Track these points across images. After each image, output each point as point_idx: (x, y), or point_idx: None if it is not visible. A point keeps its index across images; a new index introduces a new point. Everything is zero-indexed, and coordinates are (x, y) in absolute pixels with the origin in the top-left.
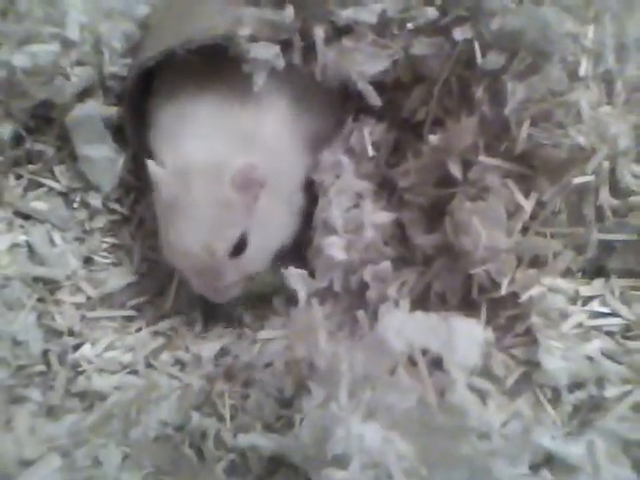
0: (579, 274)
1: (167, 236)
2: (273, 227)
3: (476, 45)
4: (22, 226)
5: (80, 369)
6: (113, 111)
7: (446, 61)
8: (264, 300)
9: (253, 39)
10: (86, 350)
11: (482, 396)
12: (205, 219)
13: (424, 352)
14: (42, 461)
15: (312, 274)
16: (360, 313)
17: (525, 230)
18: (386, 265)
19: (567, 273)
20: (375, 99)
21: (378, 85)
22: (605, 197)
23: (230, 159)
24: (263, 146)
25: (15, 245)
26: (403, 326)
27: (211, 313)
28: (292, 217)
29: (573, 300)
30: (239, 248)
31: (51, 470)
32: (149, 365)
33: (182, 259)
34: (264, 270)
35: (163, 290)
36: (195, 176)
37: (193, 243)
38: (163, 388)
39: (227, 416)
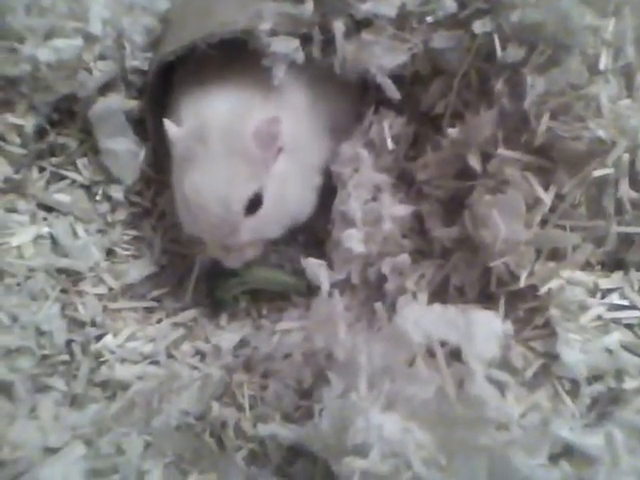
0: (598, 267)
1: (182, 191)
2: (289, 193)
3: (496, 38)
4: (45, 218)
5: (102, 359)
6: (134, 105)
7: (465, 54)
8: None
9: (273, 33)
10: (108, 340)
11: (501, 388)
12: (223, 172)
13: (442, 344)
14: (66, 449)
15: (330, 267)
16: (378, 305)
17: (544, 223)
18: (404, 258)
19: (586, 266)
20: (394, 92)
21: (397, 78)
22: (625, 190)
23: (250, 114)
24: (285, 119)
25: (39, 237)
26: (421, 318)
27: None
28: (308, 191)
29: (592, 293)
30: (254, 205)
31: (75, 458)
32: (170, 355)
33: (197, 213)
34: (277, 271)
35: (183, 282)
36: (214, 131)
37: (209, 196)
38: (184, 378)
39: (246, 406)
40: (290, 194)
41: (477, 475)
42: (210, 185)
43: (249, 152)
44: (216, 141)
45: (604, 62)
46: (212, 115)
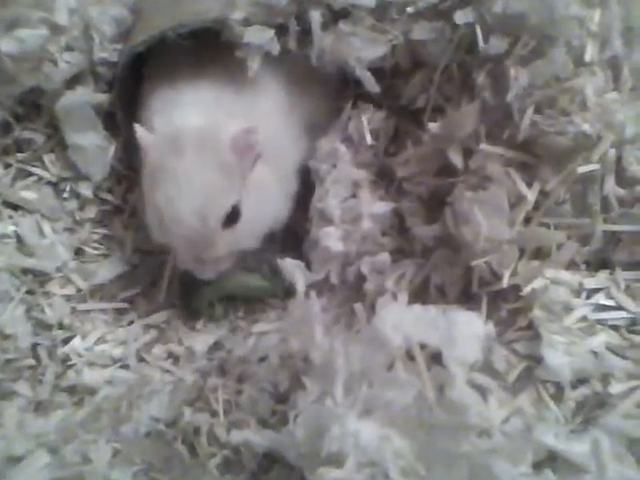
0: (583, 266)
1: (155, 203)
2: (266, 202)
3: (478, 29)
4: (11, 216)
5: (70, 363)
6: (104, 98)
7: (447, 46)
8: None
9: (247, 23)
10: (76, 343)
11: (483, 392)
12: (198, 184)
13: (422, 346)
14: (31, 457)
15: (308, 267)
16: (357, 306)
17: (528, 221)
18: (384, 257)
19: (571, 265)
20: (373, 86)
21: (377, 71)
22: (611, 187)
23: (227, 124)
24: (260, 123)
25: (3, 236)
26: (401, 320)
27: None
28: (285, 198)
29: (577, 293)
30: (232, 218)
31: (40, 467)
32: (141, 359)
33: (172, 227)
34: (253, 275)
35: (156, 282)
36: (189, 141)
37: (185, 210)
38: (155, 383)
39: (220, 411)
40: (268, 202)
41: None
42: (185, 198)
43: (226, 163)
44: (191, 152)
45: (590, 54)
46: (186, 123)
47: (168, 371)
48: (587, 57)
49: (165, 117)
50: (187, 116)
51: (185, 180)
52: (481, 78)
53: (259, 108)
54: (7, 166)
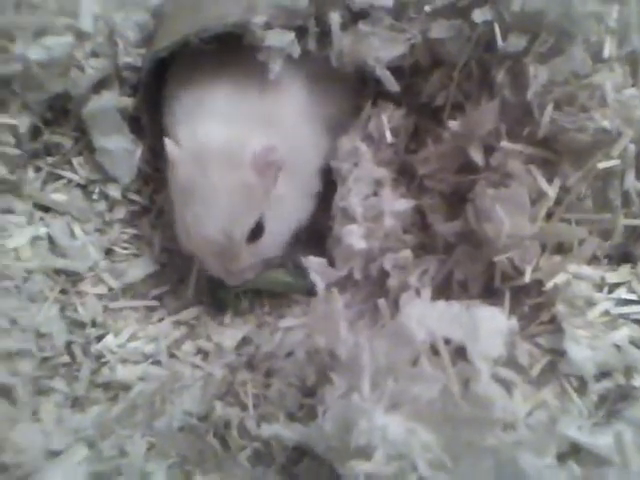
0: (605, 260)
1: (184, 219)
2: (289, 211)
3: (496, 27)
4: (42, 219)
5: (104, 360)
6: (129, 102)
7: (465, 44)
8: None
9: (268, 26)
10: (109, 341)
11: (507, 386)
12: (223, 203)
13: (446, 342)
14: (69, 452)
15: (332, 264)
16: (381, 302)
17: (549, 216)
18: (406, 253)
19: (593, 260)
20: (393, 85)
21: (396, 70)
22: (631, 182)
23: (249, 141)
24: (281, 129)
25: (36, 238)
26: (425, 315)
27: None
28: (308, 201)
29: (599, 287)
30: (256, 233)
31: (78, 460)
32: (172, 355)
33: (199, 243)
34: (279, 271)
35: (184, 279)
36: (213, 159)
37: (211, 228)
38: (186, 378)
39: (250, 405)
40: (291, 211)
41: (483, 477)
42: (211, 217)
43: (248, 182)
44: (215, 171)
45: (608, 50)
46: (210, 139)
47: (198, 367)
48: (606, 53)
49: (189, 129)
50: (210, 129)
51: (210, 199)
52: (500, 76)
53: (281, 114)
54: (37, 170)
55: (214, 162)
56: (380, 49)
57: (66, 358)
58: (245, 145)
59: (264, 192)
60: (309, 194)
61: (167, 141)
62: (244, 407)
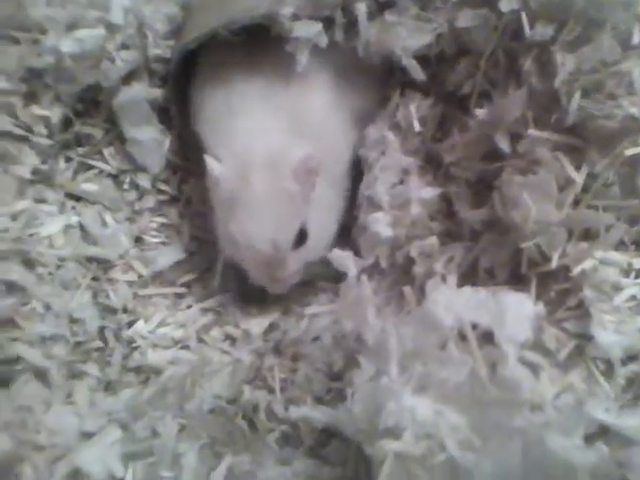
0: (632, 246)
1: (228, 229)
2: (328, 212)
3: (523, 16)
4: (74, 208)
5: (135, 345)
6: (158, 93)
7: (492, 33)
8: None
9: (295, 17)
10: (140, 326)
11: (534, 369)
12: (268, 213)
13: (474, 327)
14: (103, 433)
15: (357, 253)
16: (407, 289)
17: (576, 203)
18: (433, 240)
19: (620, 246)
20: (419, 74)
21: (422, 59)
22: None
23: (288, 151)
24: (313, 128)
25: (68, 226)
26: (452, 301)
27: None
28: (343, 199)
29: (626, 273)
30: (301, 239)
31: (112, 441)
32: (200, 340)
33: (245, 252)
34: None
35: (211, 267)
36: (254, 170)
37: (257, 237)
38: (215, 363)
39: (277, 389)
40: (330, 212)
41: (512, 457)
42: (258, 227)
43: (290, 191)
44: (258, 182)
45: (637, 37)
46: (250, 153)
47: (226, 352)
48: (634, 40)
49: (227, 143)
50: (249, 142)
51: (254, 210)
52: (528, 64)
53: (310, 110)
54: (68, 160)
55: (256, 175)
56: (407, 39)
57: (98, 343)
58: (285, 156)
59: (305, 199)
60: (343, 192)
61: (207, 158)
62: (272, 391)
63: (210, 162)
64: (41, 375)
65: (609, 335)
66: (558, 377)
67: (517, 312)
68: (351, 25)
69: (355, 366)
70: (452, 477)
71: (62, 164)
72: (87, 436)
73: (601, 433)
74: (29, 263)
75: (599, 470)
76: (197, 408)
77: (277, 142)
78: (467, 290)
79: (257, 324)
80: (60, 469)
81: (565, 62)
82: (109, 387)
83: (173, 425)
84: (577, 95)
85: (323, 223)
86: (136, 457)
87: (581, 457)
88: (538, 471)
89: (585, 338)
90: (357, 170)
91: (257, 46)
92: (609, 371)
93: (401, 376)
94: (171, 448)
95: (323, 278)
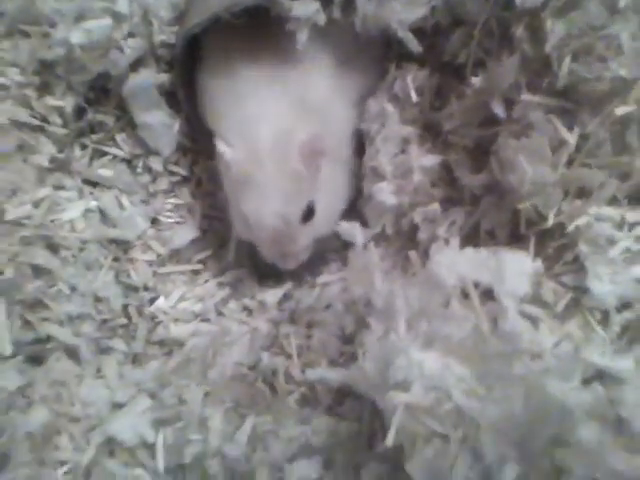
0: (625, 201)
1: (241, 211)
2: (335, 189)
3: None
4: (92, 193)
5: (157, 320)
6: (165, 78)
7: (484, 3)
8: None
9: None
10: (161, 302)
11: (533, 321)
12: (277, 192)
13: (475, 285)
14: (133, 402)
15: (363, 223)
16: (412, 253)
17: (570, 163)
18: (435, 206)
19: (613, 201)
20: (415, 46)
21: (418, 31)
22: None
23: (294, 133)
24: (317, 109)
25: (88, 211)
26: (454, 262)
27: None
28: (349, 176)
29: (619, 226)
30: (309, 214)
31: (142, 410)
32: (219, 313)
33: (257, 229)
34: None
35: (224, 244)
36: (263, 154)
37: (268, 214)
38: (234, 333)
39: (294, 354)
40: (337, 188)
41: (514, 403)
42: (267, 204)
43: (297, 170)
44: (267, 164)
45: (623, 1)
46: (259, 137)
47: (244, 322)
48: (621, 4)
49: (236, 127)
50: (257, 127)
51: (265, 190)
52: (519, 31)
53: (313, 86)
54: (84, 147)
55: (265, 158)
56: (402, 12)
57: (123, 320)
58: (291, 138)
59: (312, 177)
60: (349, 168)
61: (219, 143)
62: (289, 356)
63: (221, 147)
64: (71, 352)
65: (604, 285)
66: (556, 327)
67: (516, 268)
68: (348, 2)
69: (365, 328)
70: (459, 424)
71: (78, 152)
72: (118, 406)
73: (598, 377)
74: (53, 247)
75: (595, 409)
76: (219, 375)
77: (283, 125)
78: (469, 251)
79: (272, 295)
80: (95, 438)
81: (555, 28)
82: (136, 360)
83: (198, 392)
84: (567, 59)
85: (330, 199)
86: (165, 423)
87: (578, 398)
88: (539, 415)
89: (581, 290)
90: (360, 144)
91: (259, 30)
92: (605, 320)
93: (409, 333)
94: (197, 413)
95: (332, 250)
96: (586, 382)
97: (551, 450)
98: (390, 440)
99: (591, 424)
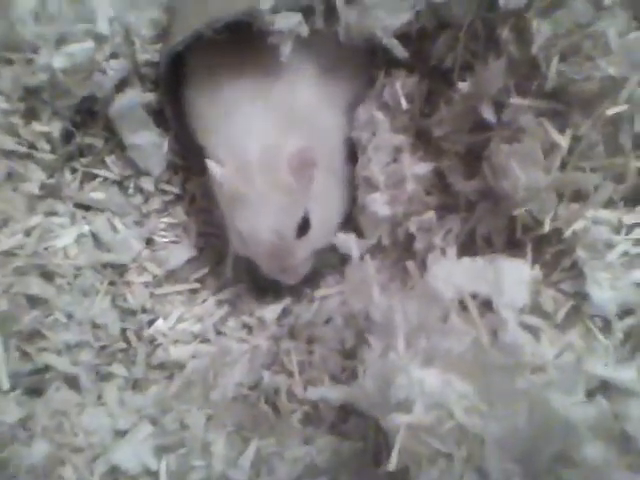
0: (621, 203)
1: (235, 226)
2: (330, 200)
3: None
4: (84, 217)
5: (157, 342)
6: (151, 97)
7: (469, 5)
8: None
9: (275, 10)
10: (160, 324)
11: (534, 332)
12: (269, 206)
13: (474, 296)
14: (135, 429)
15: (358, 233)
16: (409, 264)
17: (563, 166)
18: (430, 215)
19: (609, 204)
20: (401, 52)
21: (404, 37)
22: None
23: (282, 146)
24: (305, 121)
25: (81, 236)
26: (451, 273)
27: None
28: (345, 187)
29: (617, 230)
30: (304, 228)
31: (144, 437)
32: (218, 332)
33: (253, 245)
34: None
35: (221, 261)
36: (254, 169)
37: (263, 229)
38: (234, 352)
39: (296, 372)
40: (332, 200)
41: (517, 418)
42: (262, 220)
43: (288, 183)
44: (258, 179)
45: None
46: (248, 153)
47: (244, 340)
48: (606, 1)
49: (226, 145)
50: (246, 143)
51: (257, 205)
52: (505, 33)
53: (299, 100)
54: (73, 171)
55: (256, 173)
56: (386, 19)
57: (122, 344)
58: (280, 151)
59: (304, 189)
60: (343, 177)
61: (209, 162)
62: (290, 374)
63: (212, 166)
64: (71, 381)
65: (604, 292)
66: (557, 337)
67: (514, 278)
68: (330, 12)
69: (365, 344)
70: (462, 442)
71: (68, 176)
72: (120, 434)
73: (601, 388)
74: (47, 275)
75: (599, 425)
76: (221, 397)
77: (270, 139)
78: (465, 261)
79: (271, 311)
80: (99, 468)
81: (541, 28)
82: (136, 385)
83: (200, 416)
84: (555, 60)
85: (325, 211)
86: (168, 450)
87: (581, 413)
88: (543, 431)
89: (581, 297)
90: (353, 152)
91: (242, 44)
92: (606, 327)
93: (408, 350)
94: (200, 438)
95: (329, 265)
96: (590, 394)
97: (556, 467)
98: (393, 464)
99: (596, 443)
